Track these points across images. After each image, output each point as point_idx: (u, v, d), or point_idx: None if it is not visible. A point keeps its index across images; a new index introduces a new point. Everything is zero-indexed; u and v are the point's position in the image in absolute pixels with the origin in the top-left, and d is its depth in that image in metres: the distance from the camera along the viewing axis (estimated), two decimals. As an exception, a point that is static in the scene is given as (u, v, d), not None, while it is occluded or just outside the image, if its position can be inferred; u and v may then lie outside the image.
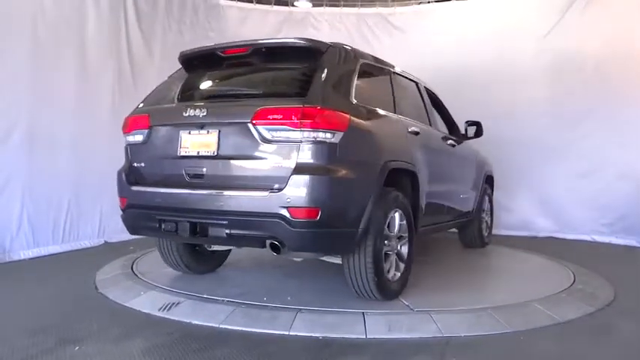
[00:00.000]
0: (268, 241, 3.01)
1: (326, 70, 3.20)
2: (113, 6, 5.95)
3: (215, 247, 3.98)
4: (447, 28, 7.54)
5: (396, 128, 3.73)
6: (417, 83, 4.60)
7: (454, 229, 5.77)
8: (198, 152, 3.21)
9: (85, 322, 3.14)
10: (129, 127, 3.53)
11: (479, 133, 5.20)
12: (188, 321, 3.17)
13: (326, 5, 8.39)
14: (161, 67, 5.80)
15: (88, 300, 3.65)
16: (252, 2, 8.07)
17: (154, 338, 2.91)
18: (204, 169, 3.20)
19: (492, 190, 6.06)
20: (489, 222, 5.99)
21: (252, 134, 3.00)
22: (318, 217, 2.88)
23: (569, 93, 6.65)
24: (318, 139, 2.91)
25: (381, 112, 3.61)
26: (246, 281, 4.05)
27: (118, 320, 3.22)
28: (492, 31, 7.18)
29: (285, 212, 2.87)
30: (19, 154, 4.95)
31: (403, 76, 4.37)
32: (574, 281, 4.23)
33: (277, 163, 2.97)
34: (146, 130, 3.42)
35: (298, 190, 2.87)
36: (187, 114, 3.22)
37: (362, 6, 8.27)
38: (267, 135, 2.97)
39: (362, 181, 3.15)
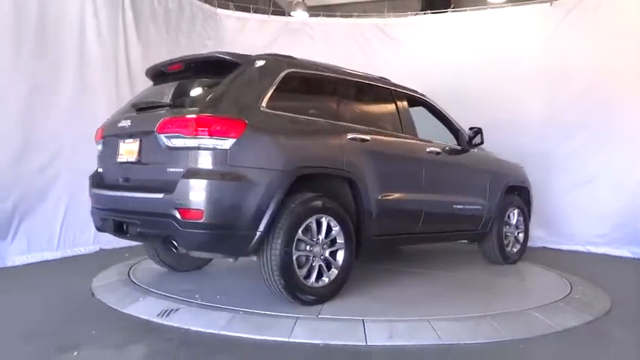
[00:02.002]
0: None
1: (231, 82, 3.42)
2: (111, 12, 5.96)
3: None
4: (443, 40, 7.62)
5: (326, 135, 3.74)
6: (391, 91, 4.51)
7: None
8: (127, 159, 3.58)
9: (83, 328, 3.11)
10: (96, 137, 4.03)
11: (479, 140, 4.99)
12: (187, 327, 3.15)
13: (322, 15, 8.46)
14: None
15: (85, 306, 3.62)
16: (249, 12, 8.11)
17: (154, 344, 2.89)
18: (130, 174, 3.60)
19: (528, 204, 5.69)
20: (521, 237, 5.55)
21: (159, 142, 3.27)
22: (204, 219, 3.08)
23: (564, 104, 6.73)
24: (207, 145, 3.12)
25: (304, 118, 3.66)
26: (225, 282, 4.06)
27: (117, 326, 3.19)
28: (487, 43, 7.27)
29: (175, 213, 3.12)
30: (16, 161, 4.91)
31: (363, 83, 4.32)
32: (571, 290, 4.25)
33: (173, 167, 3.20)
34: (101, 140, 3.93)
35: (185, 192, 3.11)
36: (120, 125, 3.66)
37: (358, 17, 8.35)
38: (168, 142, 3.23)
39: (259, 186, 3.23)
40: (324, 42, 7.95)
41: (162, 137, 3.24)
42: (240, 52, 3.74)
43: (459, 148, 4.93)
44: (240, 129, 3.19)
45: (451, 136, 5.04)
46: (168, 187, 3.17)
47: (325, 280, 3.56)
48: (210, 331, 3.11)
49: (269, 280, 3.37)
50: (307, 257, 3.47)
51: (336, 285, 3.62)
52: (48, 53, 5.23)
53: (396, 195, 4.14)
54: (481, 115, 6.51)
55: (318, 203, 3.49)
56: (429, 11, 8.18)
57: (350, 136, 3.82)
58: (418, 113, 4.88)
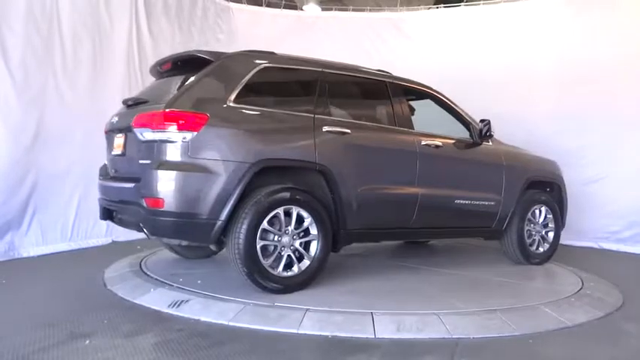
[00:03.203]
0: None
1: (199, 78, 3.59)
2: (124, 6, 6.01)
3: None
4: (456, 34, 7.58)
5: (296, 128, 3.77)
6: (386, 83, 4.44)
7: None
8: (117, 152, 3.85)
9: (95, 318, 3.17)
10: (104, 131, 4.24)
11: (488, 132, 4.77)
12: (197, 318, 3.19)
13: (335, 9, 8.45)
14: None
15: (97, 296, 3.67)
16: (261, 5, 8.12)
17: (164, 334, 2.93)
18: (118, 166, 3.92)
19: (561, 200, 5.38)
20: (550, 237, 5.23)
21: (136, 136, 3.50)
22: (164, 207, 3.30)
23: (577, 99, 6.64)
24: (170, 138, 3.32)
25: (275, 112, 3.74)
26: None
27: (128, 316, 3.24)
28: (501, 36, 7.21)
29: (142, 201, 3.37)
30: (31, 153, 4.99)
31: (352, 76, 4.32)
32: (582, 286, 4.22)
33: (143, 159, 3.44)
34: (106, 134, 4.17)
35: (148, 182, 3.36)
36: (113, 120, 4.01)
37: (371, 11, 8.32)
38: (141, 136, 3.46)
39: (220, 177, 3.37)
40: (337, 36, 7.94)
41: (137, 131, 3.48)
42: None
43: (470, 141, 4.78)
44: (201, 123, 3.35)
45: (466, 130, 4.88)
46: (138, 177, 3.44)
47: (295, 270, 3.62)
48: (219, 322, 3.14)
49: (235, 266, 3.50)
50: (275, 247, 3.56)
51: (307, 275, 3.67)
52: (61, 45, 5.29)
53: (381, 188, 4.10)
54: (494, 109, 6.46)
55: (285, 195, 3.56)
56: (442, 5, 8.13)
57: (326, 129, 3.84)
58: (432, 107, 4.84)
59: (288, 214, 3.60)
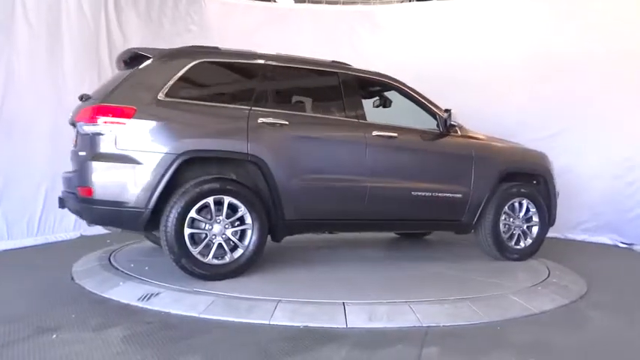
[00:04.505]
0: None
1: (133, 74, 3.78)
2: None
3: None
4: (429, 28, 7.63)
5: (228, 120, 3.84)
6: (337, 74, 4.41)
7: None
8: (73, 145, 3.99)
9: (63, 312, 3.11)
10: None
11: (447, 122, 4.62)
12: (168, 311, 3.15)
13: (308, 2, 8.41)
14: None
15: (65, 291, 3.60)
16: (234, -3, 8.03)
17: (133, 327, 2.89)
18: (73, 158, 3.96)
19: (548, 193, 5.16)
20: (534, 232, 4.98)
21: (79, 129, 3.70)
22: (93, 195, 3.49)
23: (546, 94, 6.78)
24: (100, 131, 3.50)
25: (207, 105, 3.82)
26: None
27: (97, 310, 3.19)
28: (474, 31, 7.29)
29: (77, 190, 3.60)
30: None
31: (297, 68, 4.32)
32: (548, 275, 4.32)
33: (81, 150, 3.65)
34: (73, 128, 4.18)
35: (80, 172, 3.60)
36: (70, 115, 4.05)
37: (344, 4, 8.32)
38: (81, 129, 3.67)
39: (146, 167, 3.52)
40: (310, 29, 7.89)
41: (78, 125, 3.71)
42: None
43: (436, 131, 4.67)
44: (128, 116, 3.52)
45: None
46: (77, 167, 3.70)
47: (227, 258, 3.69)
48: (190, 314, 3.12)
49: (165, 252, 3.61)
50: (206, 235, 3.64)
51: (239, 264, 3.73)
52: (27, 35, 5.15)
53: (323, 179, 4.10)
54: (467, 103, 6.55)
55: (215, 185, 3.65)
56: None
57: (261, 120, 3.87)
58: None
59: (220, 203, 3.67)
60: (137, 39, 6.37)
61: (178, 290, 3.43)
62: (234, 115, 3.86)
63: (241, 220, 3.74)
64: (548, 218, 5.09)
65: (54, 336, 2.71)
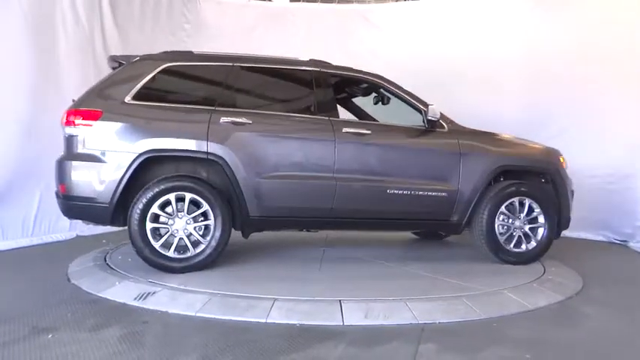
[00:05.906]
0: None
1: (105, 79, 4.11)
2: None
3: None
4: (425, 26, 7.62)
5: (188, 121, 3.99)
6: (311, 73, 4.41)
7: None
8: None
9: (59, 312, 3.11)
10: None
11: (426, 118, 4.43)
12: (164, 310, 3.16)
13: (303, 1, 8.41)
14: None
15: (61, 291, 3.59)
16: (229, -4, 8.01)
17: (129, 326, 2.89)
18: None
19: (557, 191, 4.78)
20: (538, 234, 4.62)
21: (62, 132, 3.96)
22: (66, 192, 3.84)
23: (544, 91, 6.77)
24: (71, 132, 3.83)
25: (169, 107, 4.03)
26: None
27: (93, 309, 3.18)
28: (470, 29, 7.29)
29: (58, 187, 3.94)
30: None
31: (267, 68, 4.43)
32: (544, 272, 4.33)
33: (63, 151, 3.95)
34: None
35: (59, 170, 3.92)
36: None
37: (339, 2, 8.31)
38: (63, 132, 3.93)
39: (110, 166, 3.81)
40: (305, 28, 7.89)
41: (62, 127, 3.95)
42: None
43: (421, 128, 4.51)
44: (94, 118, 3.80)
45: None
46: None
47: (188, 253, 3.86)
48: (187, 313, 3.12)
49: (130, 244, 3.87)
50: (168, 230, 3.85)
51: (201, 258, 3.89)
52: (24, 34, 5.12)
53: (287, 177, 4.11)
54: (463, 101, 6.58)
55: (176, 182, 3.86)
56: (410, -2, 8.18)
57: (224, 120, 3.99)
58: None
59: (182, 200, 3.85)
60: (132, 38, 6.38)
61: (174, 289, 3.43)
62: (197, 116, 4.01)
63: (205, 215, 3.90)
64: (558, 220, 4.73)
65: (50, 336, 2.71)
